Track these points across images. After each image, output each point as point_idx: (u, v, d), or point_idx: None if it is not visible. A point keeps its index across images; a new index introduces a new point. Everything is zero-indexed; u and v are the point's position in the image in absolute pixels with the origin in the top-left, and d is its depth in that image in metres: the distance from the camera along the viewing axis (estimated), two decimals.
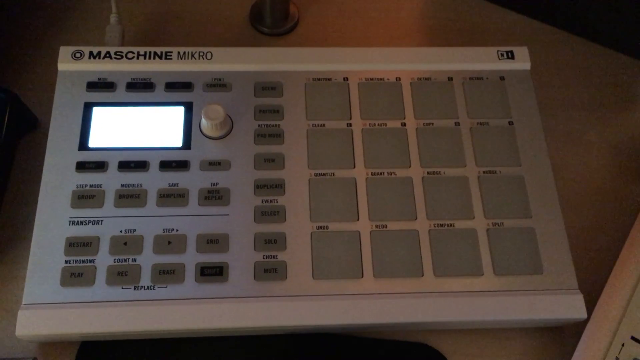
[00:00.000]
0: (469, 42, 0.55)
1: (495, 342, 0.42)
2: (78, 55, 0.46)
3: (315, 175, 0.43)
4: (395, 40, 0.55)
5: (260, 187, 0.42)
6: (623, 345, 0.40)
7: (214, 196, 0.42)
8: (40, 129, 0.48)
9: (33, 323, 0.38)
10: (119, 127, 0.44)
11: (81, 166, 0.42)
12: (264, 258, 0.40)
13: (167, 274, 0.39)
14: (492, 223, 0.42)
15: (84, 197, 0.41)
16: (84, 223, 0.41)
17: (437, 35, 0.55)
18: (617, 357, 0.39)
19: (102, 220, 0.41)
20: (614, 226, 0.47)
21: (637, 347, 0.39)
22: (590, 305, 0.41)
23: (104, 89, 0.45)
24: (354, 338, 0.42)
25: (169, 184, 0.42)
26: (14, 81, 0.50)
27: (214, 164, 0.43)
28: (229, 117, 0.44)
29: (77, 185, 0.42)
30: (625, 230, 0.46)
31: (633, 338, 0.40)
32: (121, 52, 0.46)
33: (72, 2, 0.54)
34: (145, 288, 0.39)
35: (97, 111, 0.44)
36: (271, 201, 0.42)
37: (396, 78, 0.47)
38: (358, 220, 0.42)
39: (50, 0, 0.54)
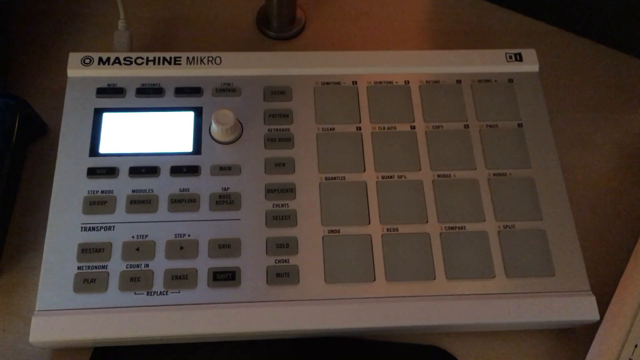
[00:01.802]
0: (477, 44, 0.55)
1: (507, 345, 0.43)
2: (87, 61, 0.46)
3: (326, 179, 0.43)
4: (402, 44, 0.55)
5: (271, 191, 0.43)
6: (636, 346, 0.40)
7: (225, 201, 0.42)
8: (49, 135, 0.48)
9: (46, 329, 0.38)
10: (129, 133, 0.44)
11: (92, 172, 0.42)
12: (275, 262, 0.41)
13: (179, 279, 0.40)
14: (503, 225, 0.42)
15: (96, 203, 0.41)
16: (95, 229, 0.41)
17: (444, 38, 0.55)
18: (630, 358, 0.39)
19: (114, 226, 0.41)
20: (625, 227, 0.47)
21: None
22: (603, 306, 0.41)
23: (113, 95, 0.45)
24: (367, 341, 0.42)
25: (180, 189, 0.42)
26: (24, 88, 0.50)
27: (224, 169, 0.43)
28: (239, 121, 0.44)
29: (88, 191, 0.42)
30: (636, 231, 0.46)
31: None
32: (130, 57, 0.46)
33: (80, 9, 0.55)
34: (158, 293, 0.39)
35: (107, 117, 0.44)
36: (282, 205, 0.42)
37: (405, 81, 0.47)
38: (369, 223, 0.42)
39: (58, 7, 0.55)
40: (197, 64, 0.46)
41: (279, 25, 0.55)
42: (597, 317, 0.40)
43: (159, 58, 0.46)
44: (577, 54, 0.55)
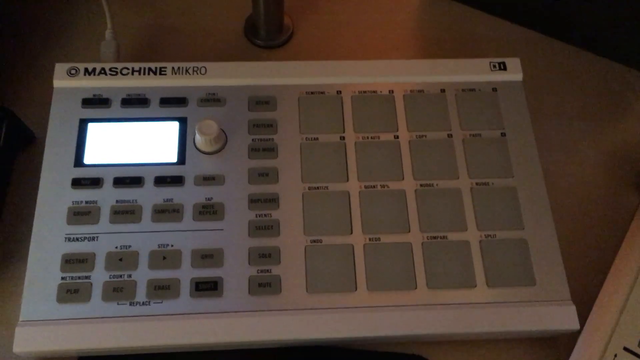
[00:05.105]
0: (463, 53, 0.55)
1: (488, 353, 0.43)
2: (73, 72, 0.46)
3: (309, 189, 0.44)
4: (390, 52, 0.55)
5: (255, 201, 0.43)
6: (615, 356, 0.40)
7: (208, 211, 0.42)
8: (37, 145, 0.48)
9: (30, 339, 0.38)
10: (114, 143, 0.44)
11: (77, 183, 0.42)
12: (258, 272, 0.41)
13: (162, 290, 0.40)
14: (484, 235, 0.43)
15: (80, 214, 0.42)
16: (79, 239, 0.41)
17: (430, 47, 0.56)
18: None
19: (97, 237, 0.41)
20: (607, 236, 0.47)
21: (629, 358, 0.40)
22: (583, 316, 0.41)
23: (99, 105, 0.45)
24: (349, 351, 0.42)
25: (163, 199, 0.42)
26: (11, 98, 0.50)
27: (208, 179, 0.43)
28: (223, 131, 0.45)
29: (72, 201, 0.42)
30: (617, 240, 0.46)
31: (625, 349, 0.40)
32: (116, 68, 0.46)
33: (68, 19, 0.55)
34: (141, 304, 0.39)
35: (92, 127, 0.44)
36: (265, 215, 0.43)
37: (389, 91, 0.47)
38: (351, 233, 0.42)
39: (46, 17, 0.55)
40: (182, 74, 0.47)
41: (266, 34, 0.55)
42: (577, 326, 0.40)
43: (145, 68, 0.47)
44: (561, 60, 0.55)
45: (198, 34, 0.55)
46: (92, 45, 0.53)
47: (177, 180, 0.43)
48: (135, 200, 0.42)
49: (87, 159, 0.43)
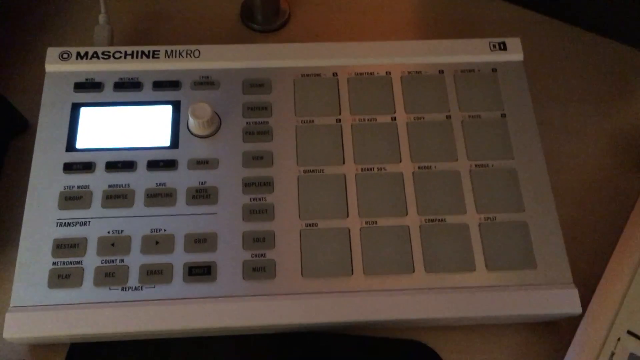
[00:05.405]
0: (462, 33, 0.54)
1: (489, 338, 0.42)
2: (65, 56, 0.45)
3: (304, 172, 0.43)
4: (388, 34, 0.54)
5: (249, 185, 0.42)
6: (619, 339, 0.39)
7: (201, 195, 0.42)
8: (31, 131, 0.48)
9: (21, 325, 0.38)
10: (107, 128, 0.43)
11: (68, 167, 0.42)
12: (252, 257, 0.40)
13: (154, 274, 0.39)
14: (484, 217, 0.42)
15: (72, 199, 0.41)
16: (71, 224, 0.40)
17: (429, 28, 0.55)
18: (612, 351, 0.39)
19: (89, 221, 0.40)
20: (610, 219, 0.46)
21: (633, 341, 0.39)
22: (585, 299, 0.40)
23: (91, 89, 0.44)
24: (346, 336, 0.41)
25: (156, 183, 0.42)
26: (3, 84, 0.50)
27: (202, 163, 0.42)
28: (217, 115, 0.44)
29: (64, 186, 0.41)
30: (621, 223, 0.45)
31: (629, 332, 0.39)
32: (108, 52, 0.46)
33: (61, 3, 0.54)
34: (133, 289, 0.39)
35: (84, 112, 0.44)
36: (260, 199, 0.42)
37: (386, 72, 0.46)
38: (348, 217, 0.41)
39: (39, 1, 0.54)
40: (175, 57, 0.46)
41: (263, 18, 0.54)
42: (579, 310, 0.39)
43: (138, 52, 0.46)
44: (563, 41, 0.54)
45: (193, 19, 0.55)
46: (85, 29, 0.53)
47: (170, 164, 0.42)
48: (128, 185, 0.42)
49: (79, 144, 0.43)
